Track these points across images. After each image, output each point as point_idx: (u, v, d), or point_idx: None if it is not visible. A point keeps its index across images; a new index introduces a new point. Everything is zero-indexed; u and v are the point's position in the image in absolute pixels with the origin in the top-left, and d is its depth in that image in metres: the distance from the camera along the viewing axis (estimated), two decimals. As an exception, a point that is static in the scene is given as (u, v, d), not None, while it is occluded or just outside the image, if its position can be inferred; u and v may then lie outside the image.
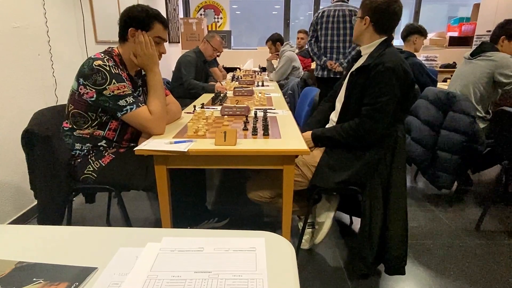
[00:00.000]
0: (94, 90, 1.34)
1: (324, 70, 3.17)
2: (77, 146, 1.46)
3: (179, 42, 5.60)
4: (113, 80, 1.34)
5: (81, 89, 1.36)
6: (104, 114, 1.42)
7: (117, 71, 1.37)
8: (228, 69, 4.65)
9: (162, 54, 1.51)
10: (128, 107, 1.36)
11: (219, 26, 6.15)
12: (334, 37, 3.07)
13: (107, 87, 1.33)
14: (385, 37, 1.48)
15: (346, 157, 1.47)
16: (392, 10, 1.44)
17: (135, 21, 1.39)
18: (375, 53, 1.45)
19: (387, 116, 1.39)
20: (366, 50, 1.52)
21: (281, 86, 3.44)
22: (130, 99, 1.37)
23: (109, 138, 1.48)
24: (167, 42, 4.94)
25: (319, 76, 3.26)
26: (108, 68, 1.34)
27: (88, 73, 1.33)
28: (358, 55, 1.61)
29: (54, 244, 0.65)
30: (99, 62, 1.34)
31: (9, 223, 1.93)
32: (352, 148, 1.47)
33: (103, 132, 1.45)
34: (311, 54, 3.29)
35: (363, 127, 1.41)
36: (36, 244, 0.64)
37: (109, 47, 1.49)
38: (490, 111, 2.35)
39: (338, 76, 3.04)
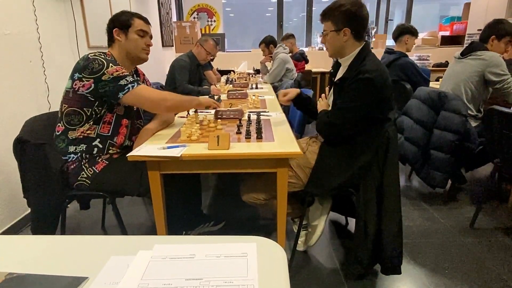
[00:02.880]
0: (91, 80, 1.37)
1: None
2: (71, 149, 1.45)
3: (172, 46, 5.59)
4: (110, 64, 1.39)
5: (75, 85, 1.39)
6: (101, 108, 1.43)
7: (112, 59, 1.45)
8: (222, 72, 4.65)
9: (151, 46, 1.60)
10: (129, 85, 1.39)
11: (212, 29, 6.16)
12: None
13: (105, 71, 1.37)
14: (363, 44, 1.45)
15: (341, 161, 1.48)
16: (363, 13, 1.42)
17: (117, 22, 1.52)
18: (356, 63, 1.43)
19: (352, 120, 1.41)
20: (346, 62, 1.49)
21: (275, 88, 3.45)
22: (129, 78, 1.41)
23: (103, 134, 1.48)
24: (161, 46, 4.94)
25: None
26: (103, 56, 1.41)
27: (84, 65, 1.38)
28: (337, 64, 1.60)
29: (45, 254, 0.65)
30: (95, 53, 1.42)
31: (3, 232, 1.92)
32: (346, 152, 1.47)
33: (98, 126, 1.46)
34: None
35: (329, 121, 1.45)
36: (27, 255, 0.64)
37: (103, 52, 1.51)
38: (482, 110, 2.37)
39: None
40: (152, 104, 1.46)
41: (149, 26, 1.58)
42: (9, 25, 1.96)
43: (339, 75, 1.53)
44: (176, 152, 1.24)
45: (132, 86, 1.40)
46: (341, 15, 1.41)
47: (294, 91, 1.74)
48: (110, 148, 1.50)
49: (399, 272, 1.48)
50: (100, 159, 1.47)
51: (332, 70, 1.62)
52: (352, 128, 1.43)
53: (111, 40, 1.54)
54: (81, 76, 1.37)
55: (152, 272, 0.57)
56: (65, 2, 2.53)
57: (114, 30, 1.51)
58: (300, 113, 2.27)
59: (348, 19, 1.41)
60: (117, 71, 1.38)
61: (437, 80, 4.18)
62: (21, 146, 1.37)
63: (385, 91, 1.38)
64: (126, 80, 1.39)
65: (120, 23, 1.51)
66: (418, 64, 3.21)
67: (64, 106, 1.43)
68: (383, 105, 1.41)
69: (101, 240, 0.69)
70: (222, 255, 0.61)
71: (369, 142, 1.43)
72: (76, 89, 1.38)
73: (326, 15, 1.46)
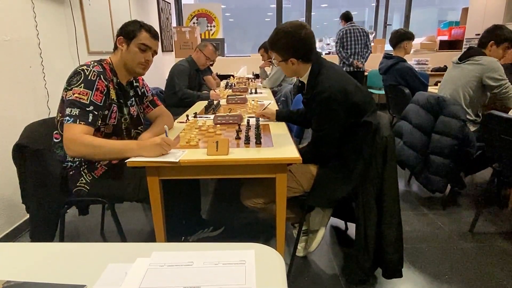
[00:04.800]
0: (67, 92, 1.37)
1: (350, 66, 4.70)
2: (69, 157, 1.45)
3: (172, 51, 5.62)
4: (82, 84, 1.34)
5: (63, 95, 1.39)
6: None
7: (94, 79, 1.37)
8: (222, 77, 4.67)
9: (151, 63, 1.53)
10: (67, 117, 1.31)
11: (212, 34, 6.18)
12: (356, 45, 4.69)
13: (73, 88, 1.34)
14: (312, 63, 1.49)
15: (338, 174, 1.50)
16: (303, 37, 1.43)
17: (124, 30, 1.47)
18: (312, 82, 1.48)
19: (334, 138, 1.45)
20: (305, 80, 1.55)
21: (274, 93, 3.46)
22: (75, 111, 1.31)
23: None
24: (161, 51, 4.96)
25: (346, 71, 4.69)
26: (87, 73, 1.36)
27: (70, 76, 1.37)
28: (301, 81, 1.64)
29: (42, 261, 0.64)
30: (84, 67, 1.38)
31: (2, 237, 1.91)
32: (340, 165, 1.50)
33: None
34: (341, 57, 4.73)
35: (315, 151, 1.48)
36: (25, 262, 0.64)
37: (101, 59, 1.51)
38: (480, 114, 2.38)
39: (360, 70, 4.72)
40: (64, 142, 1.32)
41: (155, 41, 1.50)
42: (9, 31, 1.97)
43: (305, 95, 1.59)
44: (174, 158, 1.24)
45: (68, 120, 1.31)
46: (282, 48, 1.46)
47: (270, 117, 1.89)
48: None
49: (400, 276, 1.48)
50: (99, 164, 1.47)
51: (299, 84, 1.65)
52: (336, 144, 1.48)
53: (115, 46, 1.51)
54: (66, 87, 1.37)
55: (150, 280, 0.57)
56: (65, 7, 2.55)
57: (118, 37, 1.47)
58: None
59: (289, 50, 1.45)
60: (79, 93, 1.32)
61: (435, 84, 4.19)
62: (20, 152, 1.37)
63: (350, 98, 1.40)
64: (71, 110, 1.31)
65: (127, 32, 1.45)
66: (416, 69, 3.24)
67: (59, 115, 1.43)
68: (355, 111, 1.43)
69: (99, 248, 0.69)
70: (220, 263, 0.61)
71: (357, 151, 1.46)
72: (63, 99, 1.39)
73: (270, 47, 1.51)
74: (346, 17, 4.75)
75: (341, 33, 4.74)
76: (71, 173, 1.46)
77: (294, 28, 1.43)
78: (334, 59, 5.60)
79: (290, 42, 1.43)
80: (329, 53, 5.95)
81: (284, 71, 1.56)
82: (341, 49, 4.76)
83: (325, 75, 1.43)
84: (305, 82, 1.56)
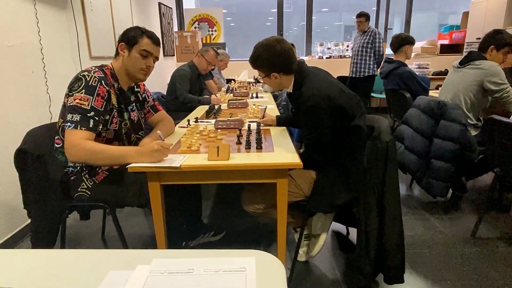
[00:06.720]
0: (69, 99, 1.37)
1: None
2: (70, 163, 1.46)
3: (174, 55, 5.64)
4: (83, 90, 1.35)
5: (65, 101, 1.39)
6: None
7: (95, 84, 1.37)
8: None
9: (152, 69, 1.54)
10: (68, 123, 1.32)
11: (213, 39, 6.21)
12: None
13: (74, 94, 1.34)
14: (294, 74, 1.53)
15: (336, 180, 1.51)
16: (281, 52, 1.47)
17: (126, 36, 1.48)
18: (296, 93, 1.52)
19: (324, 145, 1.48)
20: (290, 90, 1.59)
21: (275, 97, 3.47)
22: (76, 117, 1.32)
23: None
24: (162, 56, 4.98)
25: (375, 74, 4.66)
26: (88, 78, 1.37)
27: (71, 82, 1.38)
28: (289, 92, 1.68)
29: (43, 269, 0.64)
30: (85, 72, 1.39)
31: (2, 242, 1.91)
32: (337, 171, 1.51)
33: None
34: (382, 56, 4.50)
35: (309, 158, 1.49)
36: (25, 269, 0.64)
37: (102, 65, 1.52)
38: (481, 119, 2.38)
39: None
40: (65, 148, 1.32)
41: (157, 47, 1.51)
42: (12, 37, 1.99)
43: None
44: (176, 163, 1.25)
45: (69, 126, 1.31)
46: (262, 65, 1.52)
47: (272, 123, 1.91)
48: None
49: (402, 281, 1.47)
50: (100, 170, 1.48)
51: (288, 92, 1.68)
52: (328, 150, 1.49)
53: (117, 52, 1.51)
54: (67, 93, 1.38)
55: (150, 287, 0.57)
56: (68, 13, 2.57)
57: (120, 43, 1.48)
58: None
59: (269, 65, 1.50)
60: (80, 99, 1.33)
61: (437, 88, 4.19)
62: (22, 157, 1.38)
63: (334, 103, 1.42)
64: (72, 116, 1.32)
65: (128, 38, 1.46)
66: (417, 73, 3.26)
67: (60, 121, 1.44)
68: (342, 115, 1.45)
69: (100, 254, 0.69)
70: (221, 270, 0.61)
71: (352, 156, 1.48)
72: (65, 105, 1.40)
73: (252, 65, 1.56)
74: (369, 19, 4.55)
75: (380, 34, 4.60)
76: (72, 178, 1.46)
77: (270, 43, 1.48)
78: (335, 63, 5.64)
79: (268, 57, 1.48)
80: (330, 57, 5.96)
81: (270, 85, 1.61)
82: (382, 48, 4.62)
83: (307, 84, 1.47)
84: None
